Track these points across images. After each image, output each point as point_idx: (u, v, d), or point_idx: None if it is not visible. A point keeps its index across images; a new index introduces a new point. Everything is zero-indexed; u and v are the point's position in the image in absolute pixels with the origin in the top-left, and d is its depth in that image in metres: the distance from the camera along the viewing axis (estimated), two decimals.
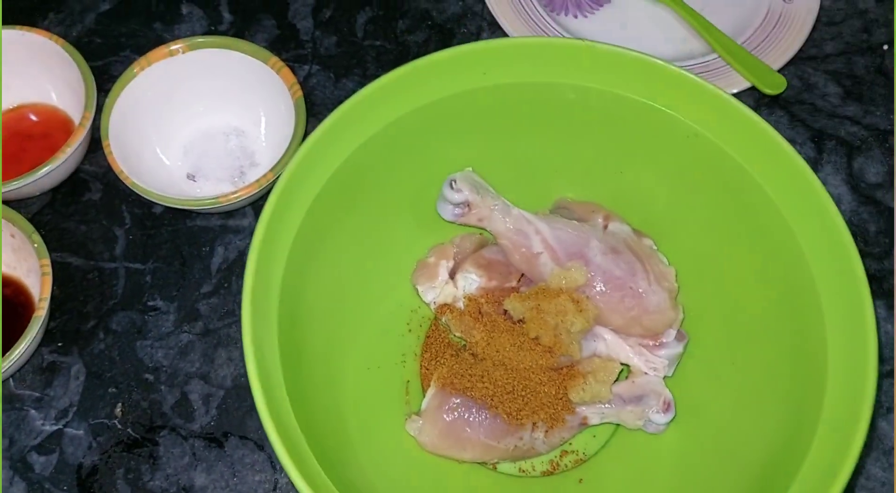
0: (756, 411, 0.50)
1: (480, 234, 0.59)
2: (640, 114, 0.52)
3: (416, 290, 0.57)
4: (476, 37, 0.72)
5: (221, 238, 0.63)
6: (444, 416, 0.52)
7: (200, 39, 0.63)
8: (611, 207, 0.57)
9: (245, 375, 0.43)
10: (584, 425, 0.54)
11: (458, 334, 0.56)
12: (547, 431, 0.53)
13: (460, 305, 0.56)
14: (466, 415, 0.52)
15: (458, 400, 0.52)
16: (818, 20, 0.73)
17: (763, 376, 0.50)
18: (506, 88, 0.53)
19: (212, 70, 0.64)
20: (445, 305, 0.56)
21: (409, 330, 0.59)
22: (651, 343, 0.54)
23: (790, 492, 0.43)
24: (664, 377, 0.54)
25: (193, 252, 0.62)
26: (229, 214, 0.64)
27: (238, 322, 0.59)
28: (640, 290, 0.52)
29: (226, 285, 0.61)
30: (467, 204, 0.54)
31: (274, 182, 0.52)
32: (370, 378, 0.55)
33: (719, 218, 0.53)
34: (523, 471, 0.55)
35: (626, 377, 0.54)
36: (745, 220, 0.51)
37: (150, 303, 0.61)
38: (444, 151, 0.56)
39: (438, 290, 0.57)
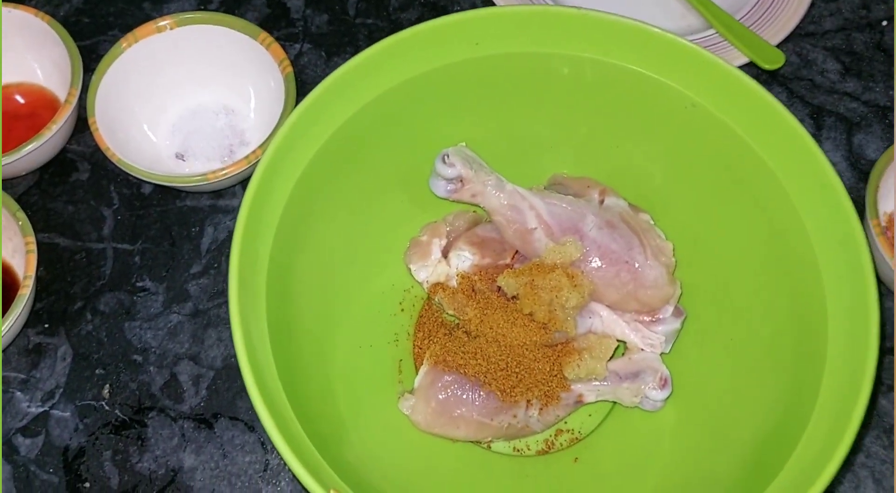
0: (754, 387, 0.49)
1: (474, 211, 0.58)
2: (636, 84, 0.51)
3: (409, 269, 0.56)
4: None
5: (211, 218, 0.62)
6: (437, 394, 0.51)
7: (189, 15, 0.62)
8: (607, 183, 0.56)
9: (235, 355, 0.41)
10: (579, 402, 0.53)
11: (451, 313, 0.55)
12: (541, 408, 0.52)
13: (453, 283, 0.55)
14: (459, 392, 0.51)
15: (451, 378, 0.51)
16: None
17: (762, 353, 0.49)
18: (498, 58, 0.52)
19: (200, 47, 0.63)
20: (438, 283, 0.55)
21: (402, 310, 0.58)
22: (648, 319, 0.53)
23: (787, 467, 0.42)
24: (661, 354, 0.53)
25: (183, 232, 0.61)
26: (219, 193, 0.63)
27: (228, 303, 0.58)
28: (637, 264, 0.51)
29: (215, 265, 0.60)
30: (460, 179, 0.53)
31: None
32: (362, 357, 0.54)
33: (718, 191, 0.52)
34: (518, 450, 0.54)
35: (623, 354, 0.54)
36: (745, 193, 0.50)
37: (139, 284, 0.60)
38: (437, 126, 0.55)
39: (431, 268, 0.56)
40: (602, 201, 0.55)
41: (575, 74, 0.52)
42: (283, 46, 0.64)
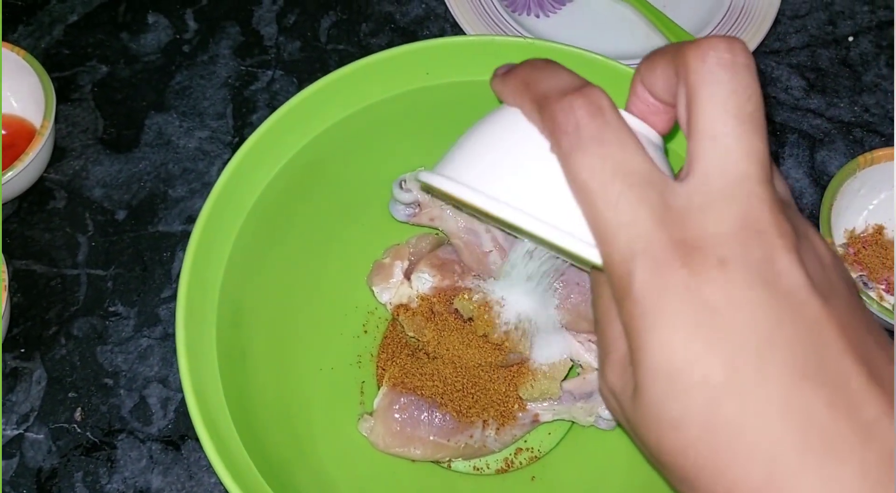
0: None
1: (437, 234, 0.59)
2: None
3: (372, 291, 0.57)
4: None
5: (182, 243, 0.63)
6: (395, 415, 0.52)
7: None
8: None
9: None
10: (536, 422, 0.54)
11: (411, 334, 0.56)
12: (498, 428, 0.53)
13: (415, 305, 0.56)
14: (417, 414, 0.52)
15: (408, 399, 0.53)
16: (783, 14, 0.72)
17: None
18: (450, 86, 0.53)
19: None
20: (401, 305, 0.56)
21: (366, 331, 0.59)
22: None
23: None
24: None
25: (154, 257, 0.63)
26: (191, 218, 0.64)
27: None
28: (587, 285, 0.52)
29: None
30: (418, 204, 0.55)
31: None
32: (323, 380, 0.55)
33: None
34: (477, 469, 0.55)
35: (578, 374, 0.54)
36: None
37: (111, 308, 0.61)
38: (396, 152, 0.56)
39: (393, 290, 0.57)
40: None
41: None
42: (256, 73, 0.66)
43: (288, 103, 0.51)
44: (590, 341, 0.54)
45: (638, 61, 0.67)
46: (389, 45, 0.72)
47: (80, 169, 0.66)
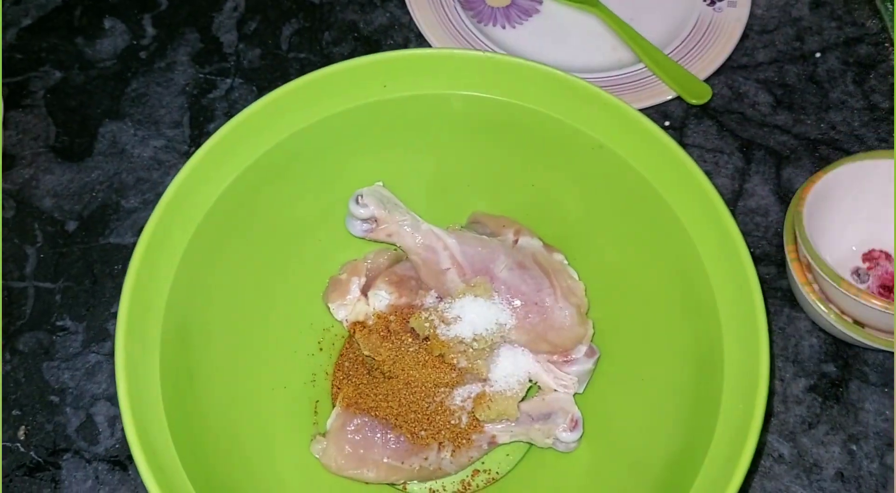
0: (662, 421, 0.49)
1: (395, 249, 0.58)
2: (545, 125, 0.51)
3: (328, 308, 0.56)
4: (403, 48, 0.71)
5: None
6: (348, 436, 0.51)
7: None
8: (524, 221, 0.56)
9: None
10: (493, 444, 0.52)
11: (367, 353, 0.54)
12: (454, 451, 0.51)
13: (371, 322, 0.55)
14: (370, 435, 0.51)
15: (362, 421, 0.51)
16: (751, 29, 0.72)
17: (668, 387, 0.49)
18: (406, 100, 0.52)
19: None
20: (358, 322, 0.55)
21: (321, 349, 0.57)
22: (561, 359, 0.53)
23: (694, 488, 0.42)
24: (575, 394, 0.53)
25: (105, 270, 0.61)
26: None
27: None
28: (546, 305, 0.51)
29: None
30: (375, 219, 0.53)
31: None
32: (275, 399, 0.54)
33: (627, 230, 0.52)
34: (434, 491, 0.54)
35: (536, 394, 0.53)
36: (650, 231, 0.50)
37: (59, 323, 0.59)
38: (353, 166, 0.55)
39: (350, 307, 0.55)
40: (516, 241, 0.55)
41: (479, 115, 0.52)
42: (214, 81, 0.64)
43: (241, 114, 0.50)
44: (548, 361, 0.53)
45: (605, 75, 0.67)
46: (352, 54, 0.71)
47: (29, 178, 0.64)
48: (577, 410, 0.52)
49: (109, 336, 0.59)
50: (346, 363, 0.57)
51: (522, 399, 0.52)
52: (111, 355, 0.58)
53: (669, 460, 0.47)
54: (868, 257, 0.60)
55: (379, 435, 0.51)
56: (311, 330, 0.57)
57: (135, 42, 0.71)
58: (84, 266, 0.61)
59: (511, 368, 0.53)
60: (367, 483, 0.52)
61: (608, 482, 0.51)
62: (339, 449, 0.51)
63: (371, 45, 0.71)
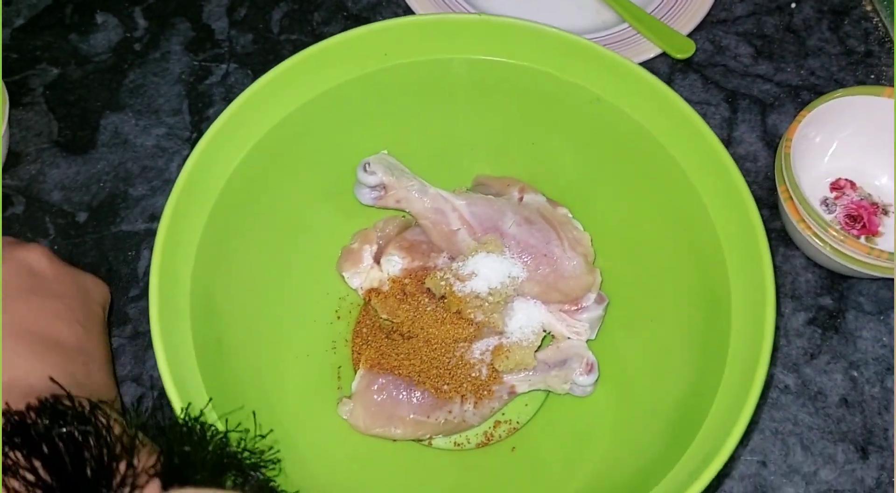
0: (674, 360, 0.51)
1: (403, 216, 0.59)
2: (543, 83, 0.53)
3: (342, 277, 0.57)
4: None
5: (147, 241, 0.63)
6: (374, 396, 0.53)
7: None
8: (527, 180, 0.58)
9: None
10: (512, 393, 0.54)
11: (385, 316, 0.56)
12: (476, 402, 0.53)
13: (386, 288, 0.56)
14: (395, 393, 0.53)
15: (386, 380, 0.53)
16: None
17: (678, 328, 0.51)
18: (407, 67, 0.53)
19: None
20: (372, 289, 0.57)
21: (339, 317, 0.59)
22: (572, 308, 0.55)
23: (703, 429, 0.44)
24: (588, 340, 0.55)
25: (119, 257, 0.62)
26: (153, 216, 0.64)
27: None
28: (555, 256, 0.53)
29: None
30: (383, 186, 0.55)
31: None
32: (300, 367, 0.55)
33: (629, 180, 0.54)
34: (458, 444, 0.56)
35: (551, 343, 0.55)
36: (652, 179, 0.52)
37: None
38: (358, 135, 0.57)
39: (364, 275, 0.57)
40: (521, 199, 0.57)
41: (478, 78, 0.53)
42: (210, 68, 0.65)
43: (244, 94, 0.51)
44: (560, 310, 0.55)
45: (590, 36, 0.69)
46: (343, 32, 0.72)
47: (36, 173, 0.65)
48: (592, 354, 0.54)
49: (130, 320, 0.60)
50: (364, 330, 0.58)
51: (538, 349, 0.54)
52: (132, 338, 0.59)
53: (683, 396, 0.49)
54: (835, 185, 0.63)
55: (403, 393, 0.53)
56: (327, 300, 0.59)
57: (128, 35, 0.72)
58: (99, 255, 0.62)
59: (525, 319, 0.55)
60: (394, 441, 0.54)
61: (625, 422, 0.53)
62: (365, 409, 0.53)
63: (361, 22, 0.72)
